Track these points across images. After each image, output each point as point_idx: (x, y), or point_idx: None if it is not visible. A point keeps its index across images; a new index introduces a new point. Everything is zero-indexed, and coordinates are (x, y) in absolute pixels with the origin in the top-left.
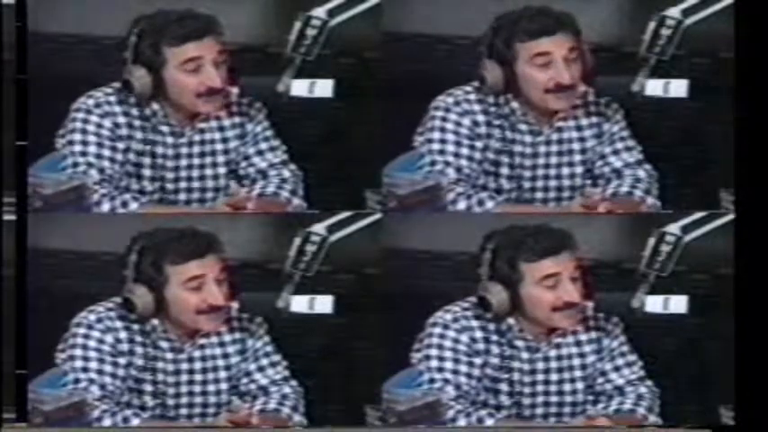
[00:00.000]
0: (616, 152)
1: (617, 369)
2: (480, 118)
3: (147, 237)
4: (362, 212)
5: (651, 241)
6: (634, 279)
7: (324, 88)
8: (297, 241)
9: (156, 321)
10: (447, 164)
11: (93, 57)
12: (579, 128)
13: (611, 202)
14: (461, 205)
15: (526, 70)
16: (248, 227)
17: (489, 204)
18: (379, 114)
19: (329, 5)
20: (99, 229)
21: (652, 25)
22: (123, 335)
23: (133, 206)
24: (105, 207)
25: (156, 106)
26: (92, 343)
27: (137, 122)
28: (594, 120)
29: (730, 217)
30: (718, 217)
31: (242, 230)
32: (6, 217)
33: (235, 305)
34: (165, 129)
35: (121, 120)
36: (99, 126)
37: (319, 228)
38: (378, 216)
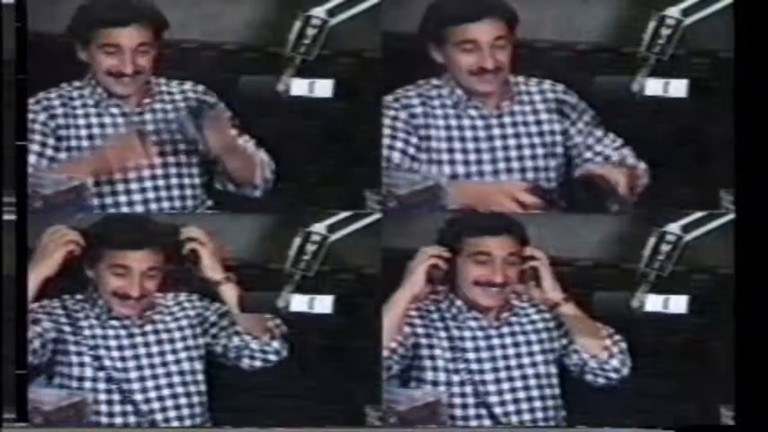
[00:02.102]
0: (580, 131)
1: None
2: (418, 110)
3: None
4: (362, 212)
5: (651, 241)
6: (634, 279)
7: (324, 88)
8: (297, 241)
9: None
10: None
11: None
12: (535, 111)
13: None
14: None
15: (454, 53)
16: (248, 227)
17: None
18: (379, 114)
19: (329, 5)
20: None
21: (652, 25)
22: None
23: None
24: None
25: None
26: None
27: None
28: (552, 104)
29: (730, 217)
30: (718, 217)
31: (242, 230)
32: (6, 217)
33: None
34: (114, 110)
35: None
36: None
37: (319, 228)
38: (378, 216)
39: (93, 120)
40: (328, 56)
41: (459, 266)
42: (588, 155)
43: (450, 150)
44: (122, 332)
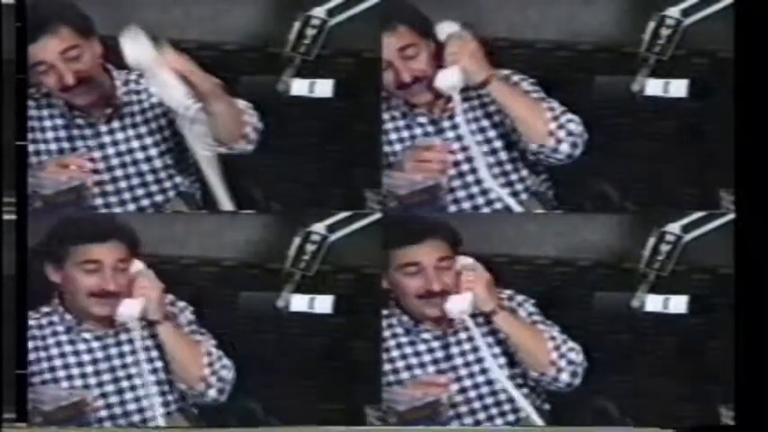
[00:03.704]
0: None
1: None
2: (389, 125)
3: (67, 220)
4: (362, 212)
5: (651, 241)
6: (634, 279)
7: (324, 88)
8: (297, 241)
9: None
10: None
11: None
12: (487, 114)
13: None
14: None
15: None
16: (248, 227)
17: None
18: (379, 114)
19: (329, 5)
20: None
21: (652, 25)
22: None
23: None
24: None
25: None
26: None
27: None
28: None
29: (730, 217)
30: (718, 217)
31: (242, 230)
32: (6, 217)
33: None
34: (80, 122)
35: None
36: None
37: (319, 227)
38: (378, 216)
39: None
40: (328, 56)
41: (395, 281)
42: None
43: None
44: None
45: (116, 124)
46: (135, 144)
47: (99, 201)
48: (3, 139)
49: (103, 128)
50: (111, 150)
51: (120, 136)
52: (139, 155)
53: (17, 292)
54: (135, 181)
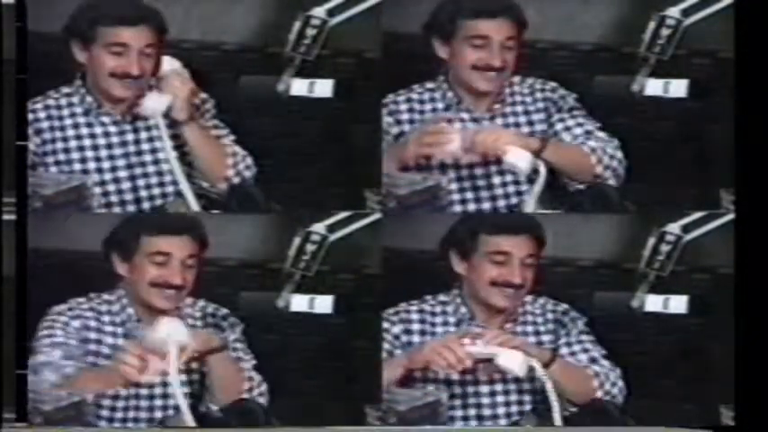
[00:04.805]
0: (568, 128)
1: None
2: (427, 107)
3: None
4: (362, 212)
5: (651, 241)
6: (634, 279)
7: (324, 88)
8: (297, 241)
9: (130, 310)
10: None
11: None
12: (527, 112)
13: (555, 144)
14: None
15: (461, 47)
16: (248, 227)
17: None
18: (379, 114)
19: (329, 5)
20: (99, 230)
21: (652, 25)
22: (93, 323)
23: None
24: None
25: (89, 98)
26: (58, 325)
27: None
28: (540, 103)
29: (730, 217)
30: (718, 217)
31: (242, 230)
32: (6, 217)
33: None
34: (105, 119)
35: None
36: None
37: (319, 227)
38: (378, 216)
39: (84, 130)
40: (328, 56)
41: (474, 266)
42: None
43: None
44: None
45: (140, 124)
46: (146, 146)
47: (101, 201)
48: (3, 139)
49: (127, 126)
50: (130, 148)
51: (142, 135)
52: (148, 157)
53: (17, 292)
54: (140, 182)
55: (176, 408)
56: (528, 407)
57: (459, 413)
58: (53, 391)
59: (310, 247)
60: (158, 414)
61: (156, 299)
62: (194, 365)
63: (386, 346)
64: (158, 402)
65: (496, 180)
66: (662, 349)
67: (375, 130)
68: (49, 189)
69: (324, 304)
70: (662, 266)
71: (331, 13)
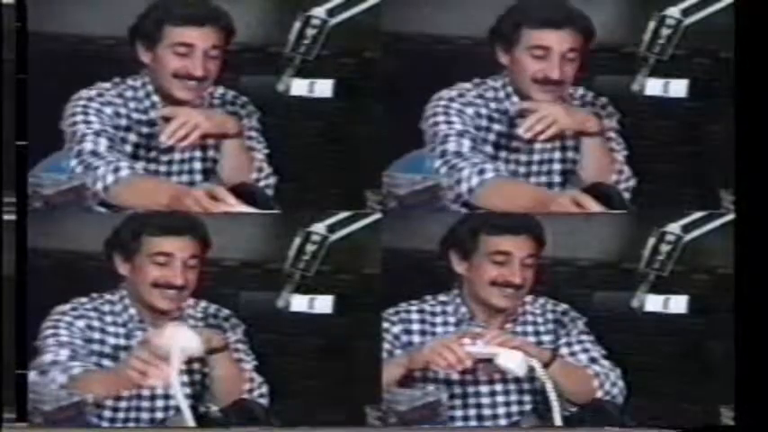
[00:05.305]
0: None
1: None
2: (483, 111)
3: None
4: (362, 212)
5: (651, 241)
6: (634, 279)
7: (324, 88)
8: (297, 241)
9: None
10: (451, 150)
11: (93, 57)
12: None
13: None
14: (465, 173)
15: (522, 56)
16: (248, 226)
17: (489, 175)
18: (379, 114)
19: (329, 5)
20: (99, 229)
21: (652, 25)
22: (96, 323)
23: (124, 173)
24: (100, 171)
25: (155, 98)
26: (62, 325)
27: (134, 115)
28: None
29: (730, 217)
30: (718, 217)
31: (242, 230)
32: (6, 217)
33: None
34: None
35: (122, 110)
36: (99, 111)
37: (319, 228)
38: (378, 216)
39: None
40: (328, 56)
41: (474, 266)
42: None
43: (494, 158)
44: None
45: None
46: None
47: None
48: (3, 139)
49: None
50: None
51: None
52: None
53: (17, 292)
54: None
55: (177, 408)
56: (528, 407)
57: (459, 413)
58: (61, 392)
59: (310, 248)
60: (159, 415)
61: (158, 299)
62: (195, 365)
63: (386, 346)
64: (159, 403)
65: None
66: (662, 349)
67: (375, 130)
68: (49, 189)
69: (324, 304)
70: (662, 266)
71: (331, 13)
